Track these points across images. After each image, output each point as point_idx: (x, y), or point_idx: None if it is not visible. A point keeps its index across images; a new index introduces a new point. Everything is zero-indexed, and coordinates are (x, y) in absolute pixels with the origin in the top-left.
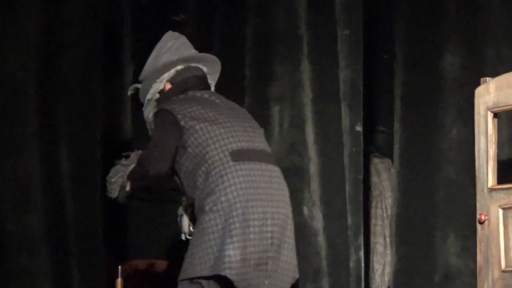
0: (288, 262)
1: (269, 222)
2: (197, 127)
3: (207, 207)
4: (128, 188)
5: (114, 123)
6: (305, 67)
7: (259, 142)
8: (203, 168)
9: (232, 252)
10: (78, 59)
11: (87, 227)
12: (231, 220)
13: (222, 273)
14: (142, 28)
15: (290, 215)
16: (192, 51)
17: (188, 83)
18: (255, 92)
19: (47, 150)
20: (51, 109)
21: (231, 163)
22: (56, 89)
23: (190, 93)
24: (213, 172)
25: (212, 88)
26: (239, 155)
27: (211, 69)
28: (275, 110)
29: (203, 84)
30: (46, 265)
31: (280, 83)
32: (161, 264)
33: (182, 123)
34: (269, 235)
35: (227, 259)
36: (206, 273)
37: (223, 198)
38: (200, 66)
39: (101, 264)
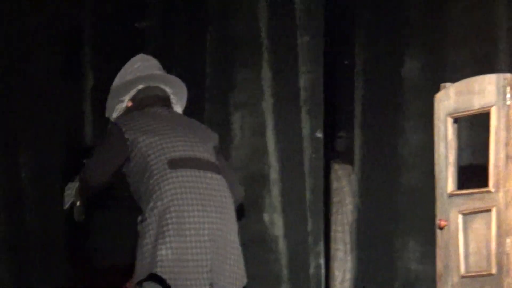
0: (234, 266)
1: (206, 226)
2: (140, 139)
3: (146, 214)
4: (79, 203)
5: (75, 131)
6: (266, 73)
7: (201, 151)
8: (144, 179)
9: (165, 252)
10: (39, 67)
11: (48, 235)
12: (165, 222)
13: (154, 271)
14: (103, 35)
15: (232, 220)
16: (157, 72)
17: (147, 101)
18: (216, 99)
19: (8, 158)
20: (12, 117)
21: (168, 170)
22: (17, 97)
23: (146, 109)
24: (151, 181)
25: (179, 110)
26: (176, 163)
27: (175, 90)
28: (236, 117)
29: (163, 103)
30: (4, 273)
31: (240, 89)
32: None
33: (126, 135)
34: (206, 238)
35: (159, 258)
36: (144, 275)
37: (158, 203)
38: (163, 86)
39: (61, 273)
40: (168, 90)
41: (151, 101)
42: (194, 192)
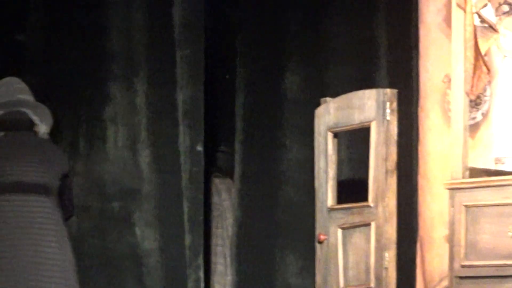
0: (52, 284)
1: (9, 249)
2: None
3: None
4: None
5: None
6: (141, 86)
7: (31, 175)
8: None
9: None
10: None
11: None
12: None
13: None
14: None
15: (53, 240)
16: (18, 97)
17: (7, 125)
18: (91, 113)
19: None
20: None
21: None
22: None
23: (4, 133)
24: None
25: (44, 129)
26: None
27: (36, 111)
28: (111, 130)
29: (23, 126)
30: None
31: (115, 103)
32: None
33: None
34: (15, 266)
35: None
36: None
37: None
38: (24, 110)
39: None
40: (29, 112)
41: (10, 125)
42: (8, 217)
